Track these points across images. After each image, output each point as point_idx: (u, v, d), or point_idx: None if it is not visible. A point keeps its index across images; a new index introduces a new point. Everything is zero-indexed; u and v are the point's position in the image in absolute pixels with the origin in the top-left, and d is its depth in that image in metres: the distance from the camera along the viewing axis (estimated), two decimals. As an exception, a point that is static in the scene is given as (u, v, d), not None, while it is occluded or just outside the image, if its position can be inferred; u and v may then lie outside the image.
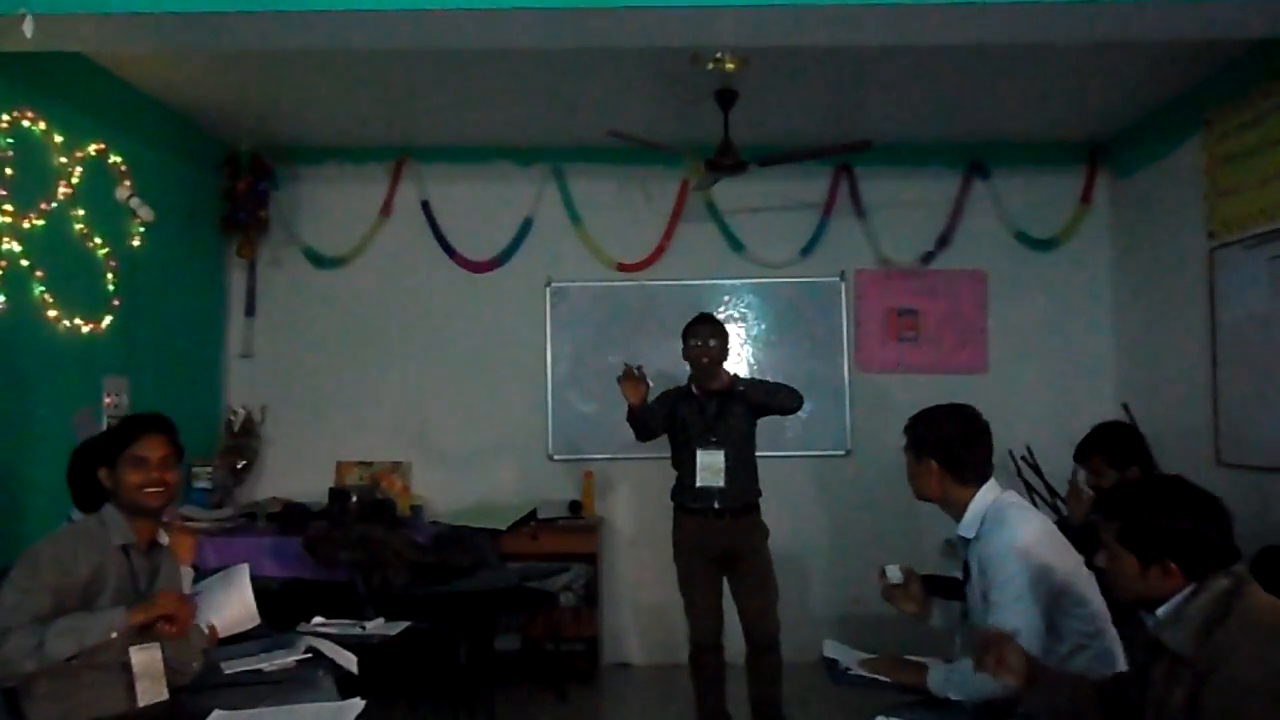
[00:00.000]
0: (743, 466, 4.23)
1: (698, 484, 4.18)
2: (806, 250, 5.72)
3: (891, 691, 2.81)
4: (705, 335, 4.25)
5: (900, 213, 5.77)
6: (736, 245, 5.76)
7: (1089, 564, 2.50)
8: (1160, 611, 2.03)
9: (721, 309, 5.64)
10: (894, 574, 2.88)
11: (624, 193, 5.77)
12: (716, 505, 4.18)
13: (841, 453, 5.76)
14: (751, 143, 4.99)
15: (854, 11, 3.23)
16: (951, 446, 2.69)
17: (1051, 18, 3.27)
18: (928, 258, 5.78)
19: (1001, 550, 2.52)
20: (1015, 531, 2.55)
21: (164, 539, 2.80)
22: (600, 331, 5.76)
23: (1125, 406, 5.10)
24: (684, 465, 4.26)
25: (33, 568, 2.50)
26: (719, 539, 4.20)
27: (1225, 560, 2.01)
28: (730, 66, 4.41)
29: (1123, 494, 2.20)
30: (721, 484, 4.16)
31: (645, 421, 4.29)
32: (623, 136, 4.74)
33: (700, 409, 4.25)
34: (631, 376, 4.30)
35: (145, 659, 2.60)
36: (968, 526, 2.67)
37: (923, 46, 4.08)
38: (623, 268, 5.70)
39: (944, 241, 5.78)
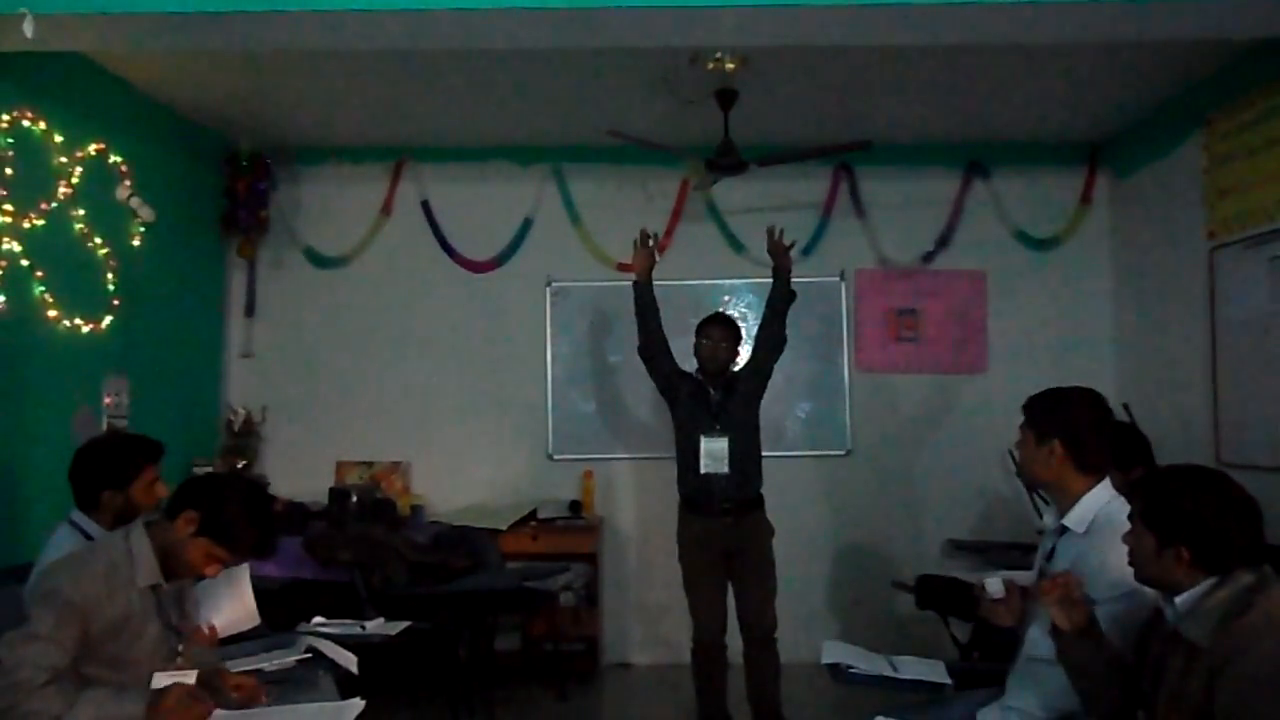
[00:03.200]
0: (747, 454, 4.25)
1: (701, 470, 4.19)
2: (806, 250, 5.71)
3: (891, 691, 2.80)
4: (718, 337, 4.31)
5: (900, 213, 5.77)
6: (736, 245, 5.76)
7: None
8: (1179, 601, 2.04)
9: (721, 309, 5.63)
10: (995, 588, 2.65)
11: (624, 193, 5.77)
12: (723, 502, 4.18)
13: (841, 453, 5.76)
14: (751, 143, 4.99)
15: (854, 11, 3.23)
16: (1080, 432, 2.52)
17: (1051, 18, 3.27)
18: (928, 258, 5.78)
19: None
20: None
21: None
22: (600, 331, 5.76)
23: (1125, 406, 5.09)
24: (688, 453, 4.27)
25: (60, 612, 2.29)
26: (724, 538, 4.20)
27: (1249, 559, 2.01)
28: (730, 66, 4.42)
29: (1157, 475, 2.19)
30: (726, 470, 4.17)
31: (648, 312, 4.31)
32: (623, 136, 4.74)
33: (705, 397, 4.27)
34: (645, 245, 4.36)
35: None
36: (1077, 520, 2.50)
37: (923, 46, 4.08)
38: (623, 268, 5.68)
39: (944, 241, 5.78)
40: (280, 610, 3.81)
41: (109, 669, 2.40)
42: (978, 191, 5.80)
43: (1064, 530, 2.54)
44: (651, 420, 5.68)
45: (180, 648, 2.54)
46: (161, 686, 2.38)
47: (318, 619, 3.58)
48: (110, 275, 4.42)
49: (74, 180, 4.15)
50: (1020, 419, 2.63)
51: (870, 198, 5.78)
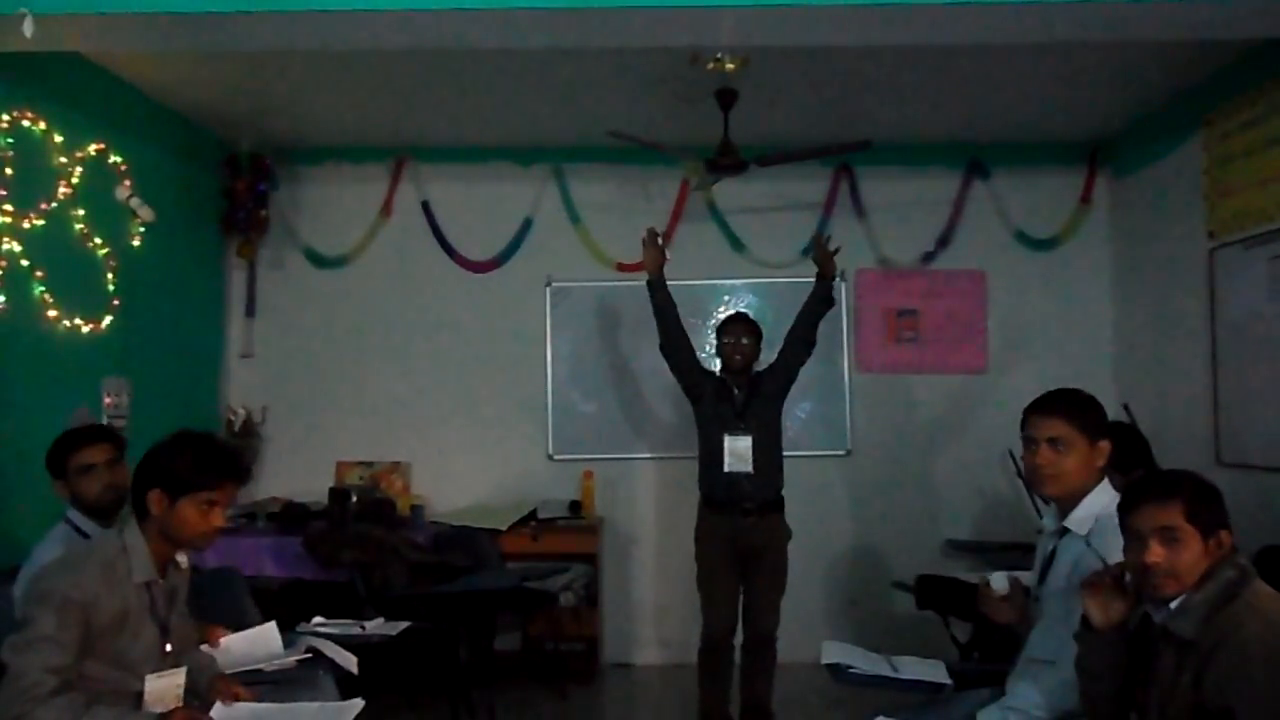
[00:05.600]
0: (769, 454, 4.27)
1: (725, 469, 4.20)
2: (807, 250, 5.69)
3: (891, 691, 2.80)
4: (739, 333, 4.35)
5: (900, 213, 5.77)
6: (737, 245, 5.76)
7: None
8: (1173, 605, 2.06)
9: (722, 309, 5.63)
10: (1000, 584, 2.67)
11: (624, 193, 5.77)
12: (745, 502, 4.19)
13: (841, 453, 5.76)
14: (751, 143, 4.98)
15: (854, 11, 3.23)
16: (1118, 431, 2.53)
17: (1051, 18, 3.27)
18: (928, 258, 5.78)
19: None
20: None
21: (181, 559, 2.65)
22: (600, 331, 5.76)
23: (1125, 407, 5.09)
24: (711, 452, 4.28)
25: (59, 612, 2.28)
26: (743, 537, 4.22)
27: None
28: (730, 66, 4.41)
29: (1162, 477, 2.17)
30: (749, 469, 4.19)
31: (665, 309, 4.33)
32: (623, 136, 4.74)
33: (729, 396, 4.29)
34: (654, 244, 4.39)
35: (162, 686, 2.45)
36: (1079, 522, 2.48)
37: (923, 46, 4.08)
38: (623, 268, 5.69)
39: (944, 241, 5.78)
40: (280, 610, 3.81)
41: (111, 667, 2.40)
42: (978, 191, 5.80)
43: (1064, 531, 2.54)
44: (652, 420, 5.69)
45: (169, 646, 2.54)
46: (162, 711, 2.39)
47: (318, 619, 3.58)
48: (110, 275, 4.42)
49: (74, 180, 4.15)
50: (1017, 423, 2.59)
51: (870, 198, 5.78)
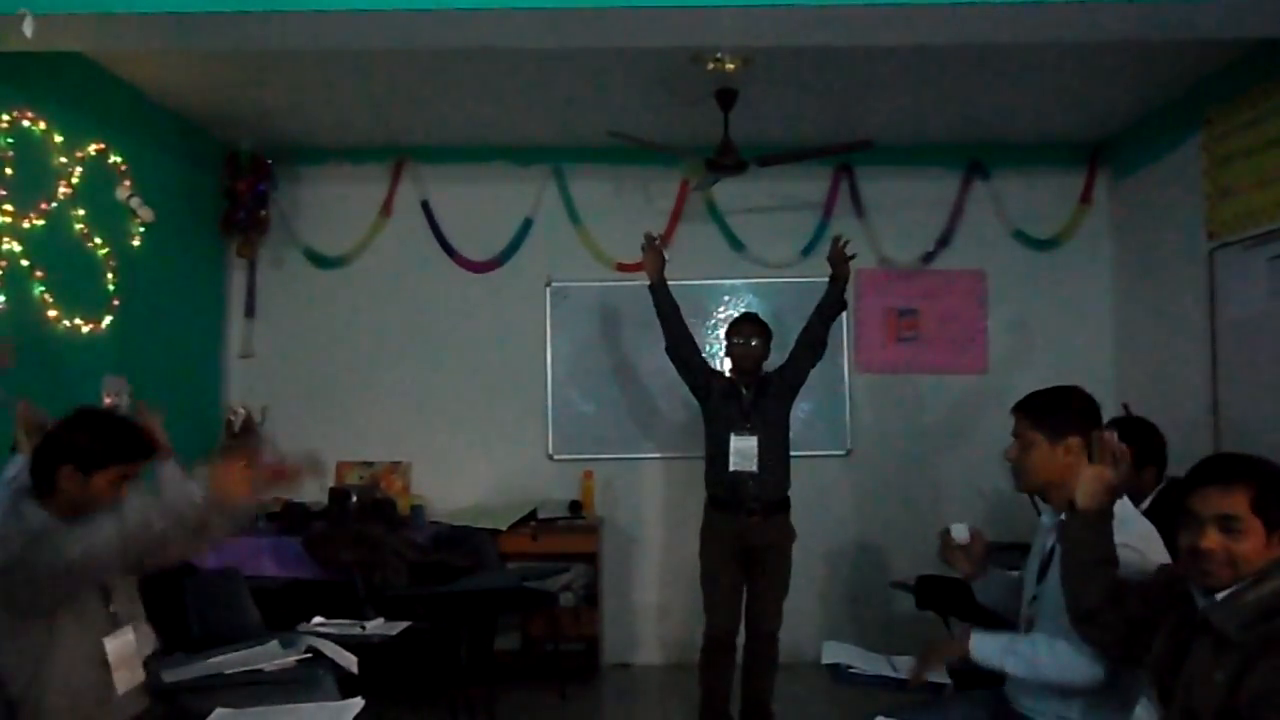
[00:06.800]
0: (776, 454, 4.28)
1: (730, 468, 4.21)
2: (806, 250, 5.72)
3: (891, 691, 2.81)
4: (748, 334, 4.34)
5: (900, 213, 5.77)
6: (736, 245, 5.76)
7: None
8: (1219, 596, 1.95)
9: (721, 309, 5.65)
10: (960, 533, 2.76)
11: (624, 193, 5.77)
12: (750, 502, 4.20)
13: (841, 453, 5.76)
14: (751, 143, 4.99)
15: (854, 11, 3.23)
16: (1093, 424, 2.52)
17: (1051, 18, 3.27)
18: (928, 258, 5.78)
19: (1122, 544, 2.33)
20: (1136, 526, 2.44)
21: None
22: (600, 331, 5.76)
23: (1125, 406, 5.09)
24: (717, 451, 4.29)
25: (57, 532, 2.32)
26: (747, 537, 4.23)
27: None
28: (730, 66, 4.42)
29: (1232, 461, 2.08)
30: (754, 469, 4.19)
31: (668, 312, 4.35)
32: (623, 136, 4.75)
33: (737, 396, 4.29)
34: (652, 248, 4.41)
35: (119, 645, 2.48)
36: None
37: (923, 46, 4.08)
38: (623, 268, 5.69)
39: (944, 241, 5.78)
40: (280, 610, 3.81)
41: (74, 618, 2.40)
42: (978, 191, 5.80)
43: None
44: (652, 420, 5.68)
45: (112, 607, 2.52)
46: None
47: (318, 619, 3.59)
48: (110, 275, 4.42)
49: (74, 180, 4.15)
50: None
51: (870, 198, 5.78)
